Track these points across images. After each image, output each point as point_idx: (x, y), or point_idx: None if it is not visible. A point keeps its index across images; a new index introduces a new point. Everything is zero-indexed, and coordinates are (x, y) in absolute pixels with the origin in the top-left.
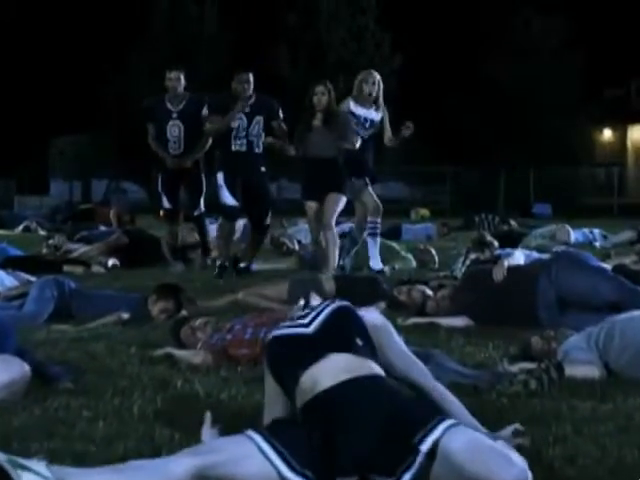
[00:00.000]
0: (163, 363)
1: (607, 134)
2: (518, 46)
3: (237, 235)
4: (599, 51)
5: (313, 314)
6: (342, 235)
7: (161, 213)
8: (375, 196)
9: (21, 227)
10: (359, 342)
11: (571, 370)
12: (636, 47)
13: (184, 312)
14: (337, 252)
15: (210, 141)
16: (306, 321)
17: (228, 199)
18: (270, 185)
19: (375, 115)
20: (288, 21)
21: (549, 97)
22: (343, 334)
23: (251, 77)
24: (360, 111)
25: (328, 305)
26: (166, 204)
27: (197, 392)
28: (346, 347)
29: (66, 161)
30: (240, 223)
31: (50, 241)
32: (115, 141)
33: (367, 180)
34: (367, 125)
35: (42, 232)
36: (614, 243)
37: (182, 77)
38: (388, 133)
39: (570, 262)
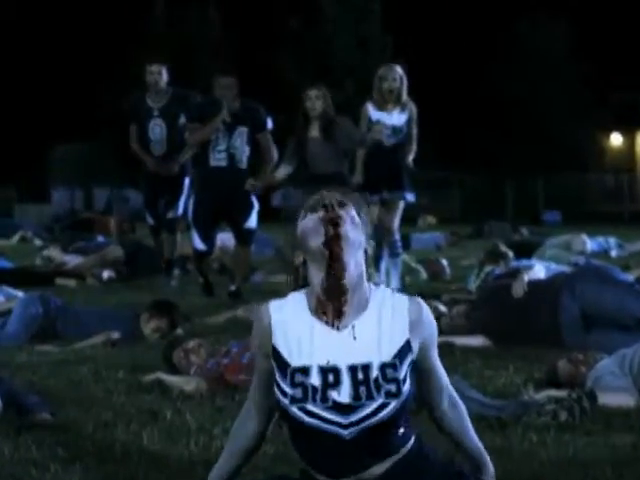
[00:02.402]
0: (153, 390)
1: (616, 140)
2: (525, 51)
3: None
4: (607, 56)
5: (358, 416)
6: None
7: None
8: (389, 218)
9: (17, 237)
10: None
11: (604, 398)
12: None
13: (179, 331)
14: None
15: (194, 149)
16: (345, 422)
17: (198, 244)
18: (277, 194)
19: (398, 118)
20: (292, 26)
21: (557, 103)
22: (383, 440)
23: (234, 81)
24: (378, 117)
25: (383, 408)
26: (149, 220)
27: (188, 425)
28: (383, 451)
29: (67, 169)
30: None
31: (44, 252)
32: (117, 148)
33: (377, 198)
34: (388, 133)
35: (38, 242)
36: (631, 252)
37: (164, 71)
38: (411, 145)
39: (595, 276)
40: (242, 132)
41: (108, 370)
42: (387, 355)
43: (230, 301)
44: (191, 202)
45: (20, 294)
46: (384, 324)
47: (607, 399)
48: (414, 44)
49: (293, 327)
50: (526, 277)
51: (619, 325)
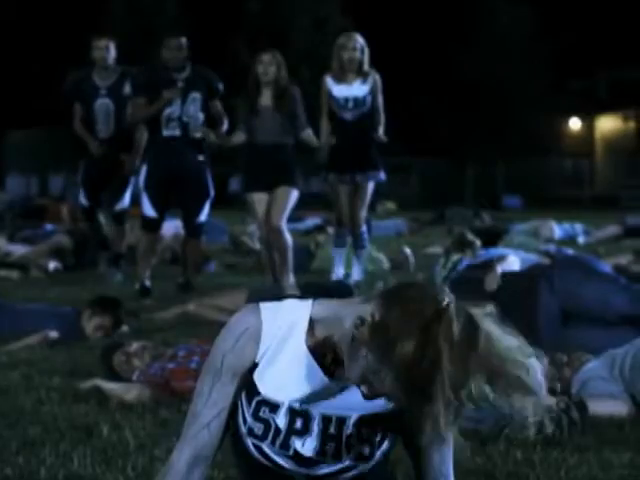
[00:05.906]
0: (89, 400)
1: (575, 125)
2: (485, 37)
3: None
4: (566, 41)
5: (317, 472)
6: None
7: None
8: (356, 206)
9: None
10: None
11: (593, 406)
12: (603, 37)
13: (125, 329)
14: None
15: (145, 134)
16: (302, 472)
17: (148, 210)
18: (234, 180)
19: (359, 89)
20: (249, 8)
21: (516, 88)
22: None
23: (184, 42)
24: (338, 91)
25: (347, 471)
26: (83, 201)
27: (126, 443)
28: None
29: (23, 155)
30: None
31: None
32: (72, 135)
33: (344, 177)
34: (350, 105)
35: None
36: (599, 239)
37: (112, 46)
38: (378, 116)
39: (575, 267)
40: (195, 98)
41: (41, 375)
42: (369, 413)
43: (180, 295)
44: (143, 171)
45: None
46: None
47: (597, 407)
48: (374, 26)
49: (280, 349)
50: (499, 269)
51: (601, 321)
